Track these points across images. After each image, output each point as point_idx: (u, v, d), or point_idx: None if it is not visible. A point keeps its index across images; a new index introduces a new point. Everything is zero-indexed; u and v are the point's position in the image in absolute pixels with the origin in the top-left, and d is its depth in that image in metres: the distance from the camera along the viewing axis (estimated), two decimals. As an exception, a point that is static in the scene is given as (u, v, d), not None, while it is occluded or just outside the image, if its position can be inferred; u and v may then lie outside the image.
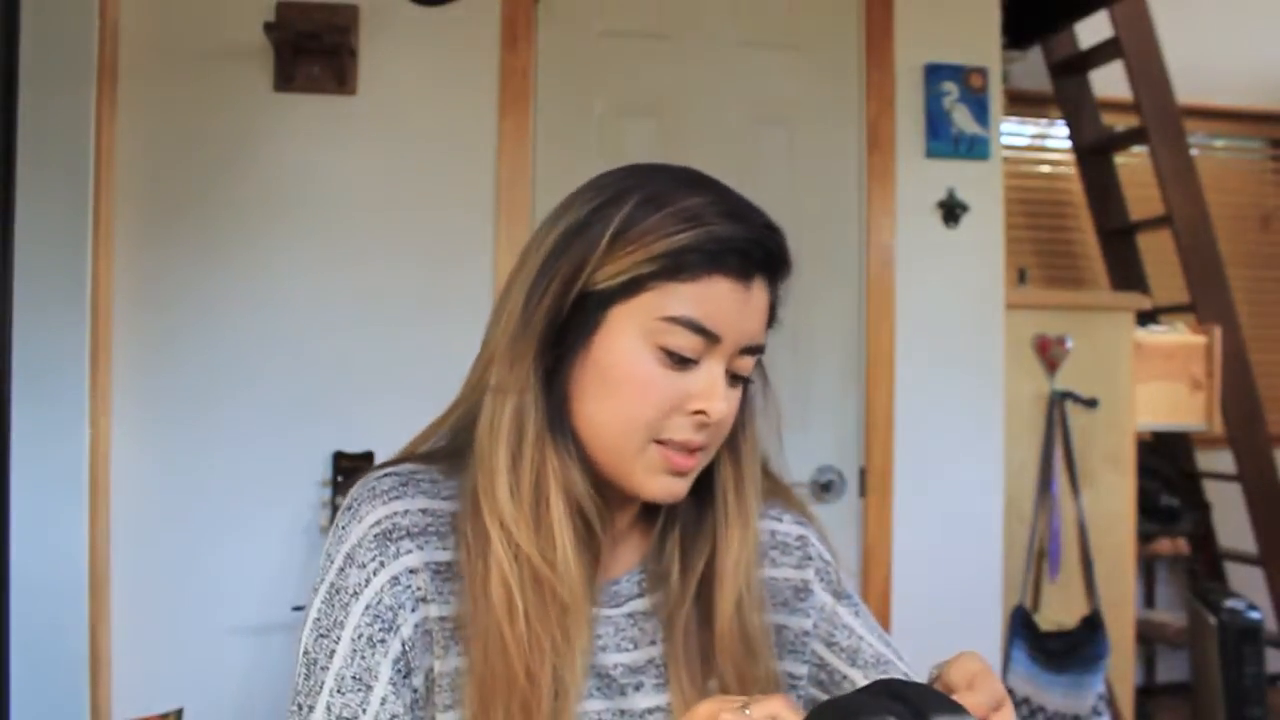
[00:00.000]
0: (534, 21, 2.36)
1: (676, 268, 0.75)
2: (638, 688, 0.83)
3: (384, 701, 0.74)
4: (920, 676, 0.91)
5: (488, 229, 2.26)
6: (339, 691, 0.74)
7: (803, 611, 0.91)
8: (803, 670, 0.91)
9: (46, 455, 1.98)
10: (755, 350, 0.80)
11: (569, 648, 0.77)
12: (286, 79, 2.22)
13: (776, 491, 0.94)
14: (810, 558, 0.93)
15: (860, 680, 0.90)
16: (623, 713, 0.82)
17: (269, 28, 2.15)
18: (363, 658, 0.74)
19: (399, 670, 0.75)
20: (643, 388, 0.77)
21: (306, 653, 0.76)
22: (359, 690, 0.74)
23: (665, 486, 0.80)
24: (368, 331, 2.25)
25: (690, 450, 0.79)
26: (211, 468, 2.18)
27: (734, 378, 0.80)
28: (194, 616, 2.13)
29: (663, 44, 2.45)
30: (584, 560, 0.79)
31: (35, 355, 1.96)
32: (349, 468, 2.14)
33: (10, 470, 1.92)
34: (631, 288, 0.76)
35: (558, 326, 0.78)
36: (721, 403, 0.78)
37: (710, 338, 0.77)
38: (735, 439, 0.85)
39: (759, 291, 0.79)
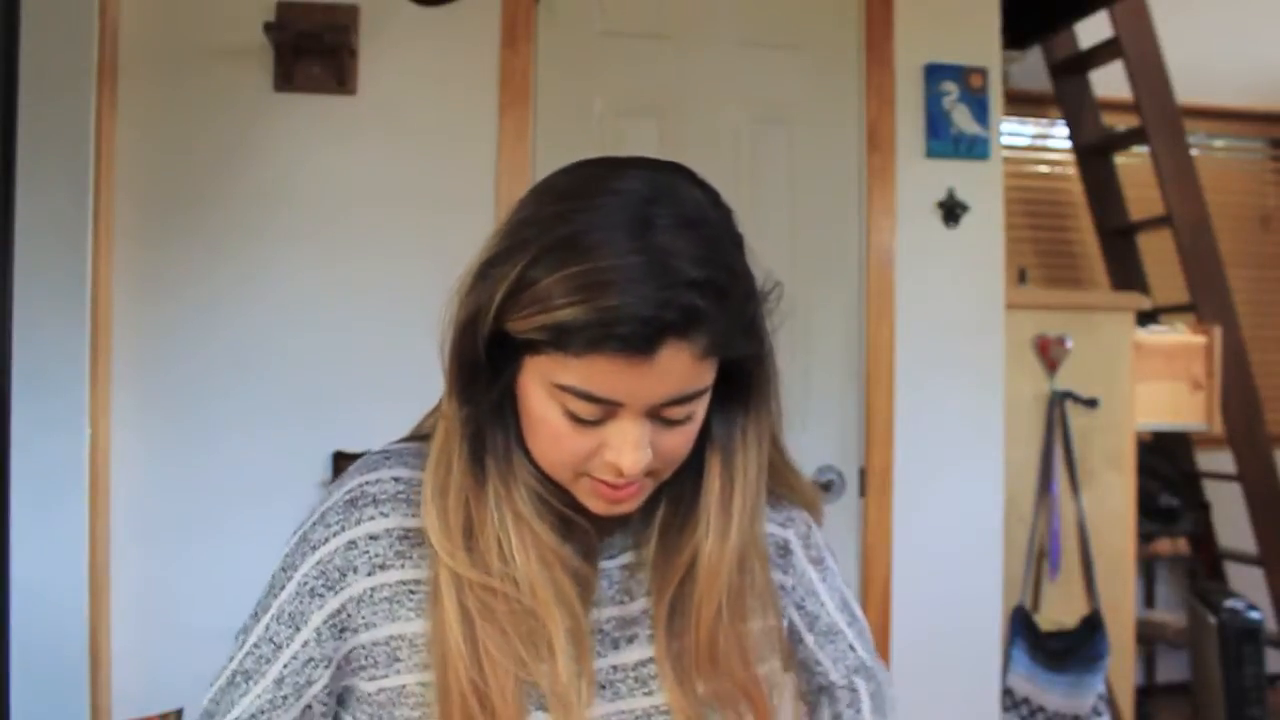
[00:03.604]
0: (534, 21, 2.36)
1: (561, 342, 0.71)
2: (631, 640, 0.84)
3: (304, 644, 0.83)
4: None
5: (488, 229, 2.24)
6: (277, 620, 0.84)
7: (781, 568, 0.94)
8: (779, 624, 0.93)
9: (47, 454, 1.98)
10: (683, 400, 0.75)
11: (549, 653, 0.78)
12: (286, 79, 2.22)
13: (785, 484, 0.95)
14: (793, 519, 0.96)
15: (811, 644, 0.96)
16: (615, 668, 0.83)
17: (269, 28, 2.15)
18: (301, 601, 0.83)
19: (331, 625, 0.82)
20: (556, 439, 0.76)
21: (273, 575, 0.86)
22: (289, 627, 0.83)
23: (605, 508, 0.80)
24: (368, 331, 2.25)
25: (620, 486, 0.78)
26: (212, 467, 2.18)
27: (671, 420, 0.76)
28: (194, 616, 2.13)
29: (663, 44, 2.45)
30: (559, 556, 0.80)
31: (35, 355, 1.96)
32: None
33: (10, 469, 1.92)
34: (530, 347, 0.74)
35: (480, 358, 0.77)
36: (634, 455, 0.74)
37: (608, 404, 0.73)
38: (730, 455, 0.83)
39: (672, 354, 0.71)
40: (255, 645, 0.84)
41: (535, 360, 0.74)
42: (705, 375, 0.75)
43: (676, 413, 0.76)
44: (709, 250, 0.73)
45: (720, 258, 0.73)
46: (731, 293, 0.73)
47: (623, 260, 0.70)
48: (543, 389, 0.75)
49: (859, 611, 1.01)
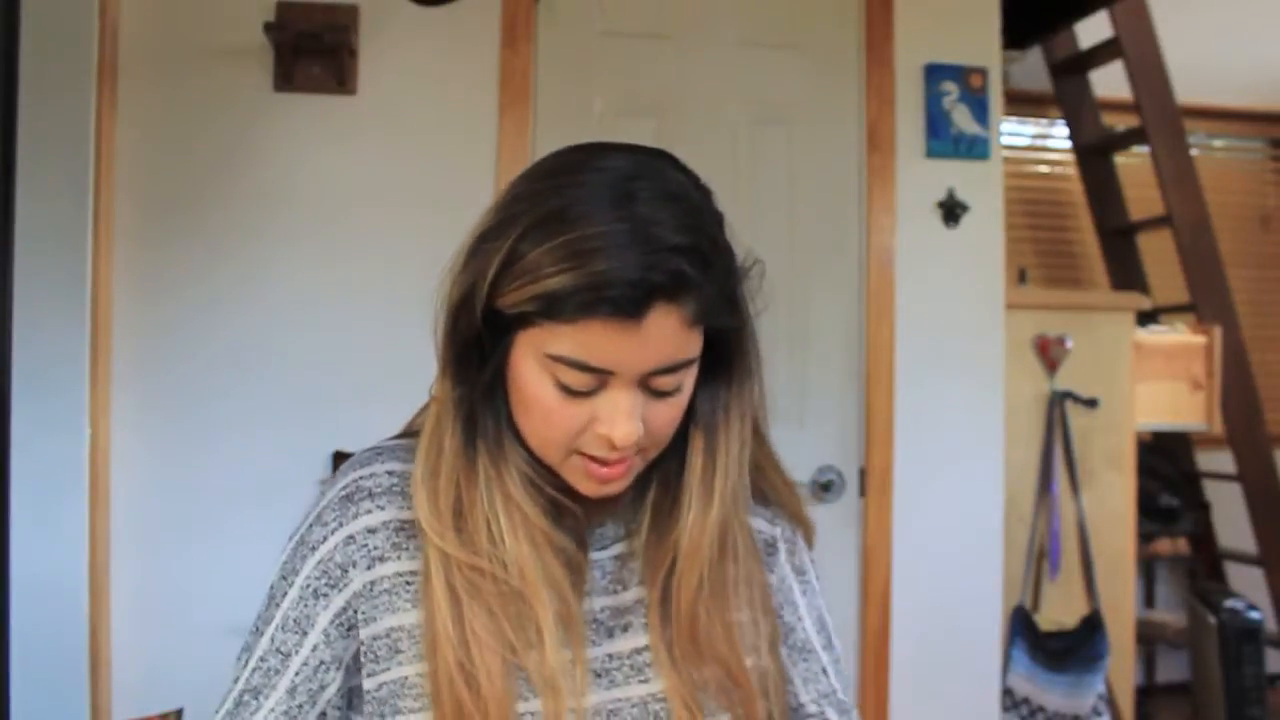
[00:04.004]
0: (534, 21, 2.36)
1: (552, 311, 0.73)
2: (625, 628, 0.84)
3: (314, 648, 0.82)
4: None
5: (488, 229, 2.25)
6: (282, 628, 0.83)
7: (769, 567, 0.92)
8: (772, 623, 0.90)
9: (47, 454, 1.98)
10: (672, 369, 0.76)
11: (537, 638, 0.79)
12: (286, 79, 2.22)
13: (768, 486, 0.94)
14: (780, 519, 0.95)
15: (784, 657, 0.91)
16: (611, 656, 0.83)
17: (269, 28, 2.16)
18: (306, 605, 0.83)
19: (338, 624, 0.83)
20: (547, 413, 0.77)
21: (271, 587, 0.86)
22: (297, 633, 0.83)
23: (595, 489, 0.81)
24: (367, 331, 2.25)
25: (610, 463, 0.79)
26: (211, 467, 2.18)
27: (661, 391, 0.78)
28: (194, 616, 2.13)
29: (663, 44, 2.45)
30: (549, 540, 0.81)
31: (35, 355, 1.96)
32: (349, 468, 2.14)
33: (10, 470, 1.92)
34: (522, 320, 0.75)
35: (473, 338, 0.78)
36: (627, 426, 0.76)
37: (599, 373, 0.75)
38: (713, 431, 0.83)
39: (660, 319, 0.73)
40: (261, 659, 0.83)
41: (527, 334, 0.76)
42: (692, 345, 0.77)
43: (665, 383, 0.77)
44: (690, 220, 0.75)
45: (702, 228, 0.76)
46: (714, 261, 0.75)
47: (608, 228, 0.72)
48: (535, 362, 0.76)
49: (837, 641, 0.96)
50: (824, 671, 0.93)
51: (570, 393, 0.76)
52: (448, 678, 0.77)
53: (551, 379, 0.76)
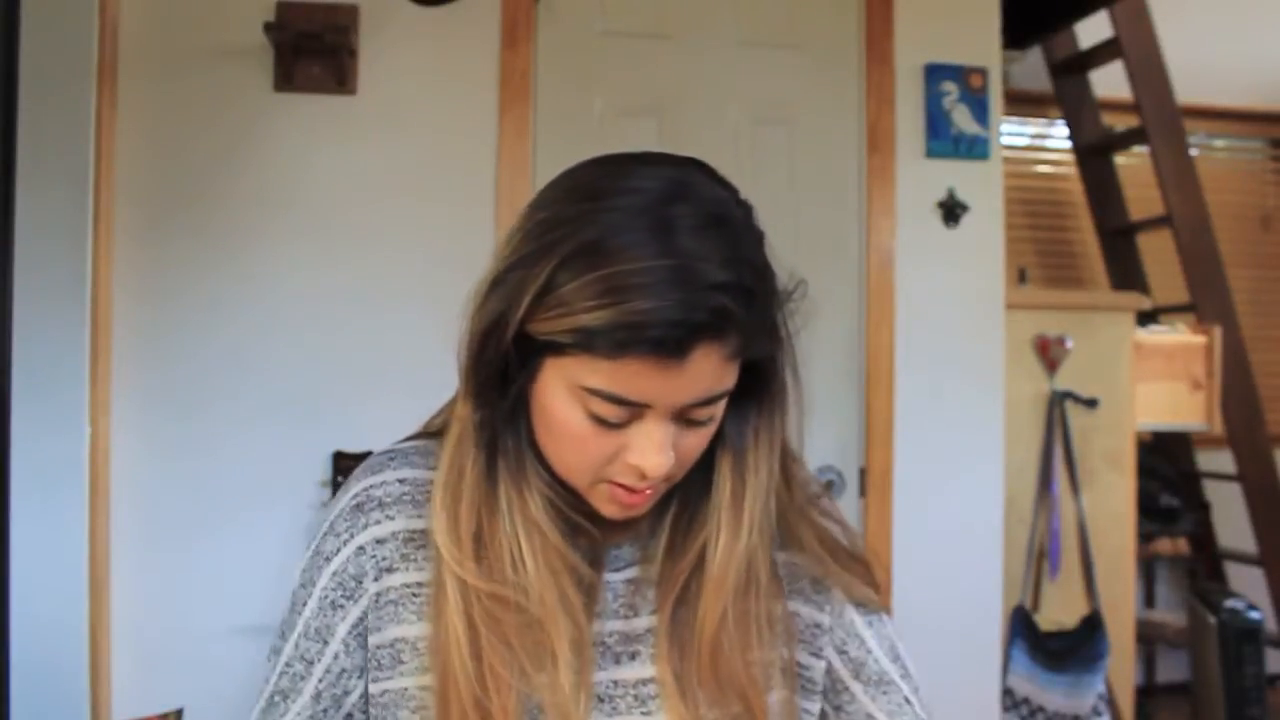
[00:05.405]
0: (534, 21, 2.36)
1: (589, 345, 0.70)
2: (633, 657, 0.82)
3: (336, 657, 0.83)
4: (929, 694, 0.92)
5: (488, 229, 2.25)
6: (305, 636, 0.84)
7: (817, 604, 0.88)
8: (815, 664, 0.88)
9: (46, 454, 1.98)
10: (709, 402, 0.74)
11: (551, 664, 0.77)
12: (286, 79, 2.22)
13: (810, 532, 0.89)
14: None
15: (861, 694, 0.89)
16: (616, 683, 0.82)
17: (269, 28, 2.16)
18: (324, 615, 0.83)
19: (356, 633, 0.83)
20: (577, 442, 0.75)
21: (294, 592, 0.86)
22: (318, 642, 0.83)
23: (619, 513, 0.79)
24: (368, 331, 2.25)
25: (638, 490, 0.77)
26: (212, 467, 2.18)
27: (694, 421, 0.75)
28: (194, 616, 2.14)
29: (663, 44, 2.45)
30: (567, 563, 0.79)
31: (35, 355, 1.96)
32: (349, 468, 2.14)
33: (10, 469, 1.92)
34: (555, 349, 0.72)
35: (500, 361, 0.76)
36: (658, 458, 0.73)
37: (635, 406, 0.72)
38: (742, 454, 0.81)
39: (702, 357, 0.70)
40: (288, 664, 0.84)
41: (559, 362, 0.73)
42: (730, 376, 0.75)
43: (700, 414, 0.75)
44: (733, 251, 0.72)
45: (744, 257, 0.73)
46: (758, 292, 0.73)
47: (650, 264, 0.69)
48: (566, 391, 0.73)
49: (913, 667, 0.92)
50: (907, 701, 0.90)
51: (602, 423, 0.74)
52: (460, 708, 0.76)
53: (583, 409, 0.73)
